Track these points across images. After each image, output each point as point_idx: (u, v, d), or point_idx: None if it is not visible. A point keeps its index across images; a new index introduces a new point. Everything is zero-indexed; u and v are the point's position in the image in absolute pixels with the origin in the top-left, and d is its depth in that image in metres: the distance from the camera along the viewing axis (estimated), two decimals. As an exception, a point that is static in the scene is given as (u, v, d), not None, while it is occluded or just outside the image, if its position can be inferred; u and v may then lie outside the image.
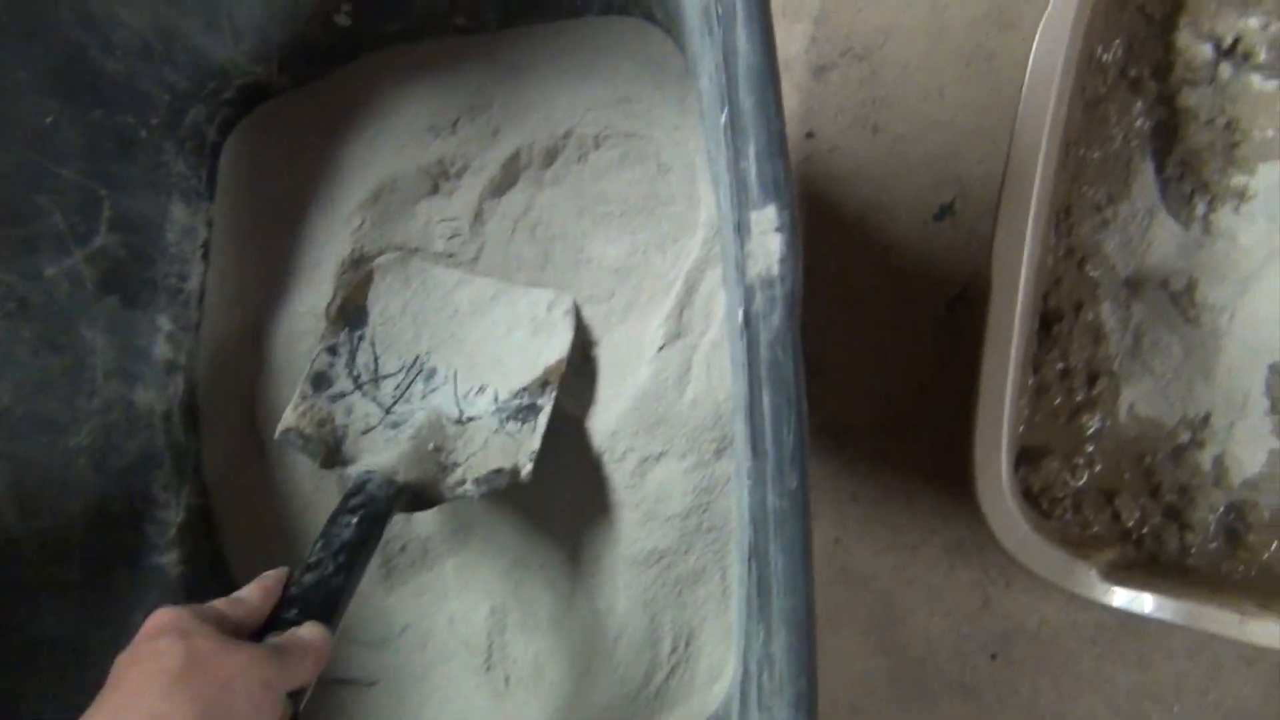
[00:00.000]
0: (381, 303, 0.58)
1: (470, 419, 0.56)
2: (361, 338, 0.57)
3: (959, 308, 0.59)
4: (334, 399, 0.56)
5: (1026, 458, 0.54)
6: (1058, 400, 0.55)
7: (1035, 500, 0.53)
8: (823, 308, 0.60)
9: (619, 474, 0.54)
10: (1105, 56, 0.56)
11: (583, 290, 0.57)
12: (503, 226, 0.57)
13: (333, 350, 0.57)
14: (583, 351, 0.56)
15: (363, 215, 0.57)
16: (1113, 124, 0.57)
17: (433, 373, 0.57)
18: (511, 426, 0.54)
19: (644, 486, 0.53)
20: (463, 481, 0.53)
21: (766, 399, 0.27)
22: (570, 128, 0.56)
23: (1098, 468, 0.54)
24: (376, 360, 0.57)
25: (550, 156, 0.56)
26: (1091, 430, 0.54)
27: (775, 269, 0.28)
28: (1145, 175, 0.57)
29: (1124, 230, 0.56)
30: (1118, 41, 0.56)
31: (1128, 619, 0.56)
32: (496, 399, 0.56)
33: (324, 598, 0.44)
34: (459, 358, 0.58)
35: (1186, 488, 0.53)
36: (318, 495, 0.59)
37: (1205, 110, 0.55)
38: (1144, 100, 0.57)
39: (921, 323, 0.59)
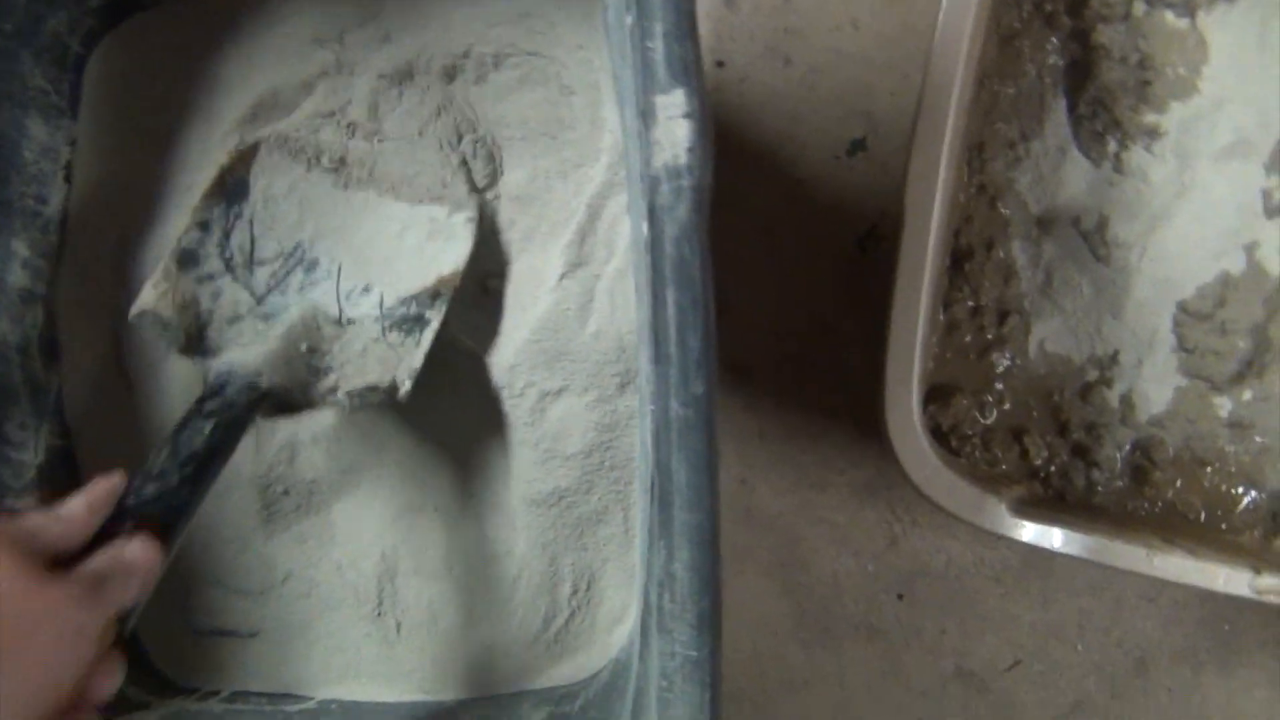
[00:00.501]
0: (266, 179, 0.52)
1: (350, 321, 0.51)
2: (239, 216, 0.52)
3: (869, 244, 0.57)
4: (200, 281, 0.50)
5: (936, 395, 0.53)
6: (968, 338, 0.54)
7: (944, 438, 0.53)
8: (730, 243, 0.58)
9: (518, 411, 0.51)
10: (1020, -9, 0.55)
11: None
12: (395, 143, 0.54)
13: (204, 226, 0.51)
14: (481, 282, 0.52)
15: (240, 133, 0.53)
16: (1026, 60, 0.56)
17: (314, 264, 0.52)
18: (394, 337, 0.50)
19: (544, 423, 0.51)
20: (334, 389, 0.49)
21: (671, 299, 0.25)
22: (469, 45, 0.52)
23: (1006, 405, 0.53)
24: (253, 243, 0.52)
25: (449, 76, 0.53)
26: (1001, 368, 0.54)
27: (683, 158, 0.25)
28: (1058, 112, 0.56)
29: (1036, 167, 0.55)
30: (1032, -24, 0.55)
31: (1032, 558, 0.56)
32: (381, 303, 0.51)
33: (164, 513, 0.40)
34: (345, 251, 0.52)
35: (1094, 425, 0.53)
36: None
37: (1118, 47, 0.54)
38: (1058, 36, 0.55)
39: (831, 259, 0.58)
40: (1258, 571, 0.44)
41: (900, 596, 0.56)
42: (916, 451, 0.46)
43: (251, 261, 0.52)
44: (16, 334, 0.53)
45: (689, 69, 0.26)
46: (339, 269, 0.52)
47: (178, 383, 0.54)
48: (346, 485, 0.54)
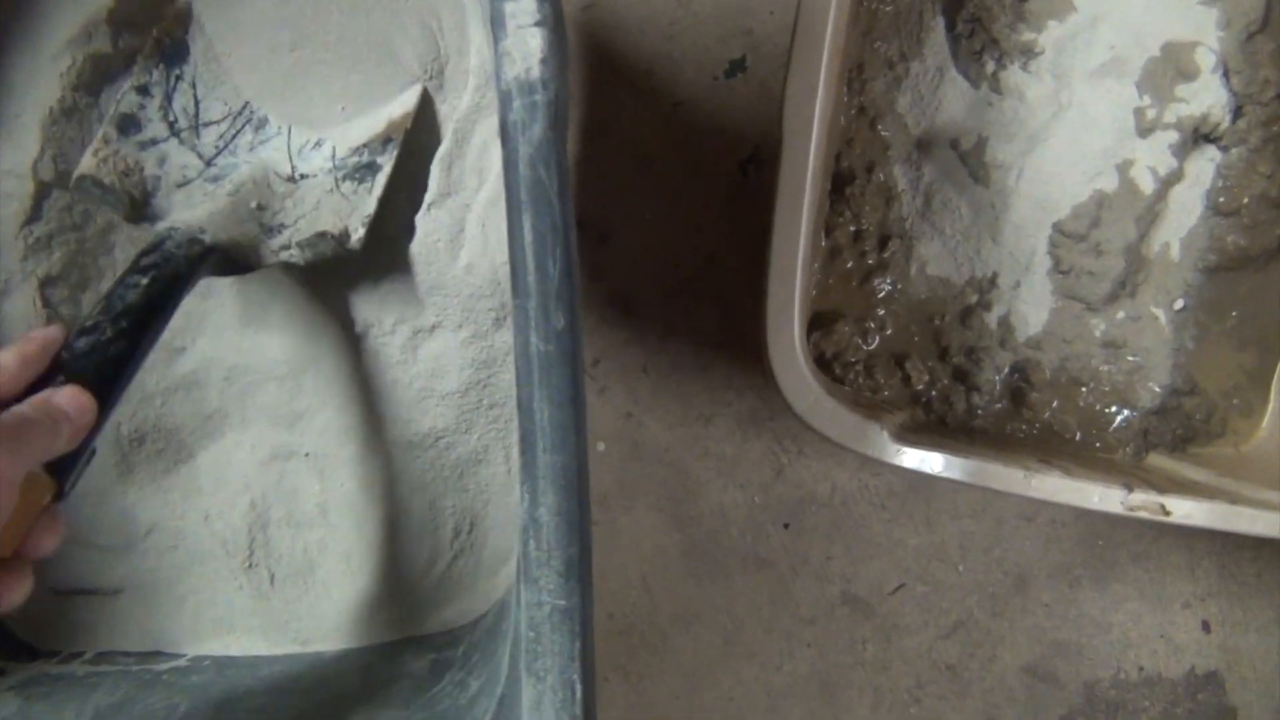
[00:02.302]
0: (205, 37, 0.50)
1: (303, 176, 0.49)
2: (180, 78, 0.49)
3: (751, 169, 0.56)
4: (144, 146, 0.48)
5: (818, 323, 0.52)
6: (850, 264, 0.53)
7: (828, 366, 0.52)
8: (608, 170, 0.56)
9: (389, 349, 0.49)
10: (898, -98, 0.53)
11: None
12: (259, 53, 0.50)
13: (144, 90, 0.49)
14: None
15: (73, 54, 0.49)
16: (905, -25, 0.54)
17: (264, 122, 0.50)
18: (347, 187, 0.48)
19: (417, 362, 0.49)
20: (288, 245, 0.47)
21: (527, 225, 0.23)
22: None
23: (888, 331, 0.53)
24: (198, 105, 0.50)
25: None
26: (883, 293, 0.53)
27: (535, 71, 0.23)
28: (937, 32, 0.55)
29: (915, 88, 0.55)
30: (909, -114, 0.53)
31: (915, 483, 0.56)
32: (334, 155, 0.49)
33: (99, 366, 0.39)
34: (294, 106, 0.50)
35: (974, 349, 0.53)
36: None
37: (996, -36, 0.54)
38: (936, -50, 0.54)
39: (712, 185, 0.56)
40: (1129, 489, 0.45)
41: (787, 526, 0.56)
42: (800, 382, 0.45)
43: (197, 124, 0.50)
44: None
45: (540, -28, 0.23)
46: (289, 126, 0.50)
47: (20, 325, 0.50)
48: (209, 431, 0.52)
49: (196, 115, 0.50)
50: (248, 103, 0.50)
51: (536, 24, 0.23)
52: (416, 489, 0.51)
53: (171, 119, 0.49)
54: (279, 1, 0.49)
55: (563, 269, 0.23)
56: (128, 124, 0.48)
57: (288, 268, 0.49)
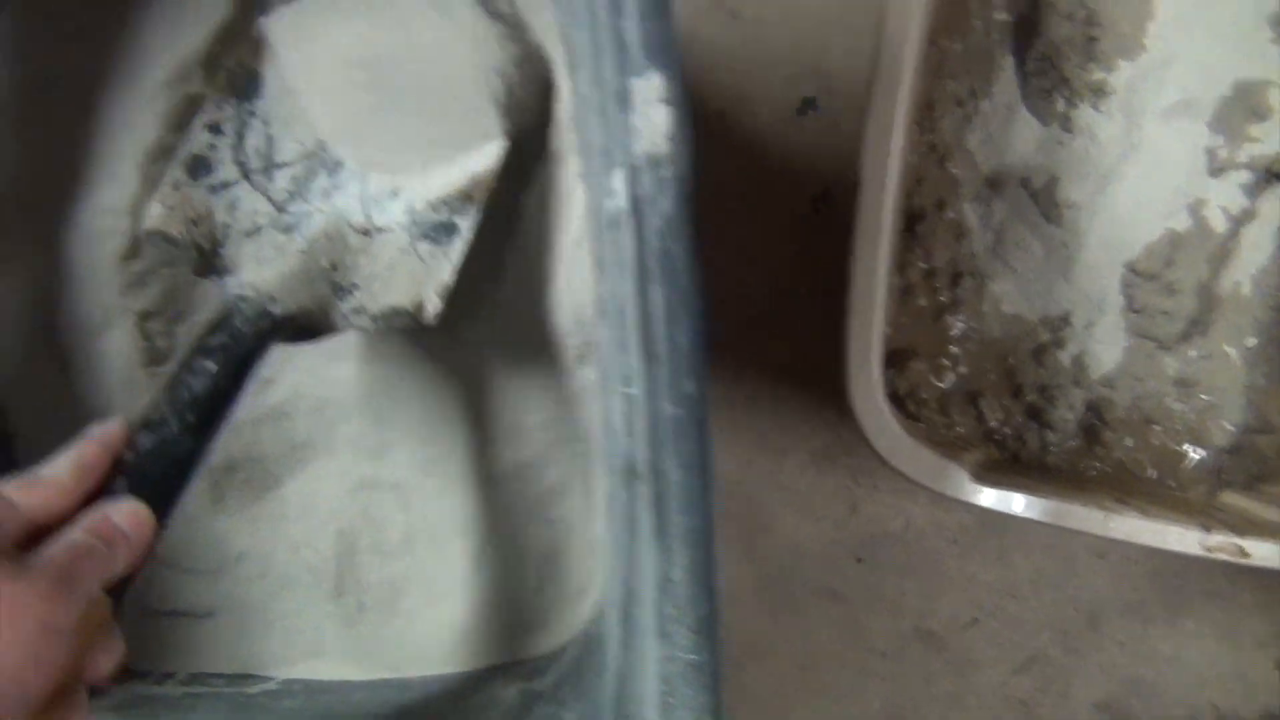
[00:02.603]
0: (278, 68, 0.47)
1: (378, 229, 0.47)
2: (252, 113, 0.47)
3: (823, 206, 0.57)
4: (214, 190, 0.46)
5: (893, 360, 0.53)
6: (923, 301, 0.54)
7: (902, 402, 0.53)
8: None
9: (477, 381, 0.50)
10: (969, -55, 0.54)
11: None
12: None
13: (215, 129, 0.46)
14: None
15: (168, 95, 0.51)
16: (974, 15, 0.55)
17: (338, 166, 0.47)
18: (424, 248, 0.46)
19: (503, 394, 0.50)
20: (360, 310, 0.45)
21: (658, 296, 0.24)
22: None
23: (962, 369, 0.54)
24: (271, 144, 0.47)
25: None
26: (956, 331, 0.54)
27: (663, 147, 0.25)
28: (1006, 70, 0.56)
29: (985, 126, 0.55)
30: (981, -69, 0.54)
31: (988, 519, 0.57)
32: (411, 208, 0.46)
33: (166, 468, 0.37)
34: (370, 150, 0.47)
35: (1047, 387, 0.53)
36: (134, 404, 0.52)
37: (1066, 3, 0.55)
38: (1006, -9, 0.55)
39: (784, 222, 0.57)
40: (1208, 530, 0.45)
41: (860, 560, 0.57)
42: (880, 422, 0.46)
43: (270, 165, 0.47)
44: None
45: (666, 49, 0.25)
46: (364, 171, 0.47)
47: (117, 358, 0.52)
48: (297, 461, 0.53)
49: (269, 155, 0.47)
50: (322, 142, 0.47)
51: (664, 100, 0.24)
52: (500, 521, 0.52)
53: (243, 159, 0.47)
54: (358, 38, 0.46)
55: (691, 339, 0.24)
56: (198, 166, 0.46)
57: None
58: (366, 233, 0.47)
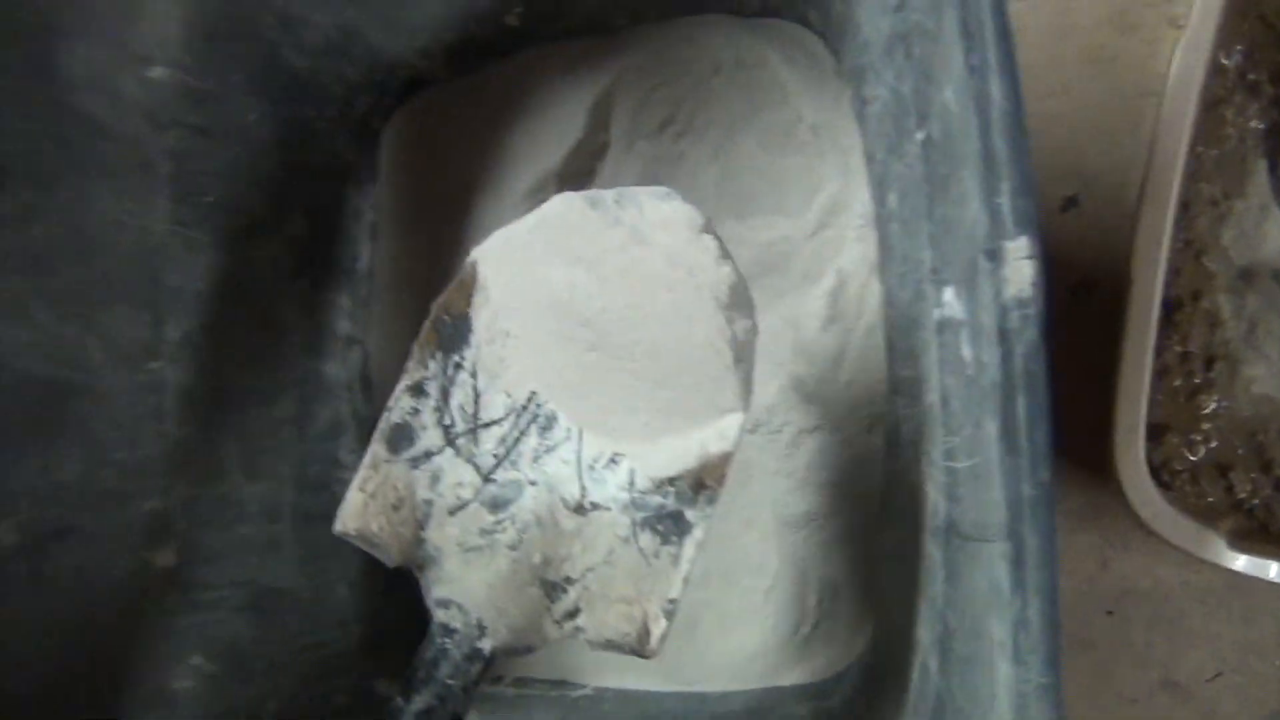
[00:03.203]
0: (492, 307, 0.42)
1: (594, 506, 0.41)
2: (459, 366, 0.42)
3: (1081, 293, 0.63)
4: (416, 462, 0.40)
5: (1149, 434, 0.58)
6: (1177, 382, 0.59)
7: (1156, 473, 0.58)
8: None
9: (775, 444, 0.58)
10: (1226, 61, 0.60)
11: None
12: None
13: (418, 390, 0.41)
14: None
15: (528, 204, 0.61)
16: (1229, 124, 0.61)
17: (551, 421, 0.42)
18: (646, 541, 0.40)
19: (798, 456, 0.58)
20: (573, 613, 0.40)
21: (1021, 404, 0.32)
22: (731, 120, 0.60)
23: (1213, 444, 0.59)
24: (478, 399, 0.42)
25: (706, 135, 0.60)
26: (1208, 410, 0.59)
27: (1028, 292, 0.32)
28: (1259, 173, 0.61)
29: (1239, 224, 0.60)
30: (1239, 48, 0.60)
31: (1234, 582, 0.61)
32: (632, 483, 0.41)
33: None
34: (590, 405, 0.41)
35: (1297, 463, 0.58)
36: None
37: (1317, 110, 0.59)
38: (1260, 103, 0.61)
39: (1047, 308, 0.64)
40: None
41: (1110, 613, 0.62)
42: (1144, 492, 0.52)
43: (476, 426, 0.41)
44: (344, 373, 0.62)
45: (1031, 219, 0.33)
46: (580, 430, 0.41)
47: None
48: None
49: (475, 415, 0.41)
50: (534, 393, 0.42)
51: (1028, 258, 0.32)
52: (788, 563, 0.60)
53: (447, 423, 0.41)
54: (583, 293, 0.40)
55: (1046, 437, 0.31)
56: (399, 437, 0.41)
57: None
58: (581, 510, 0.41)
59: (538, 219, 0.41)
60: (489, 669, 0.38)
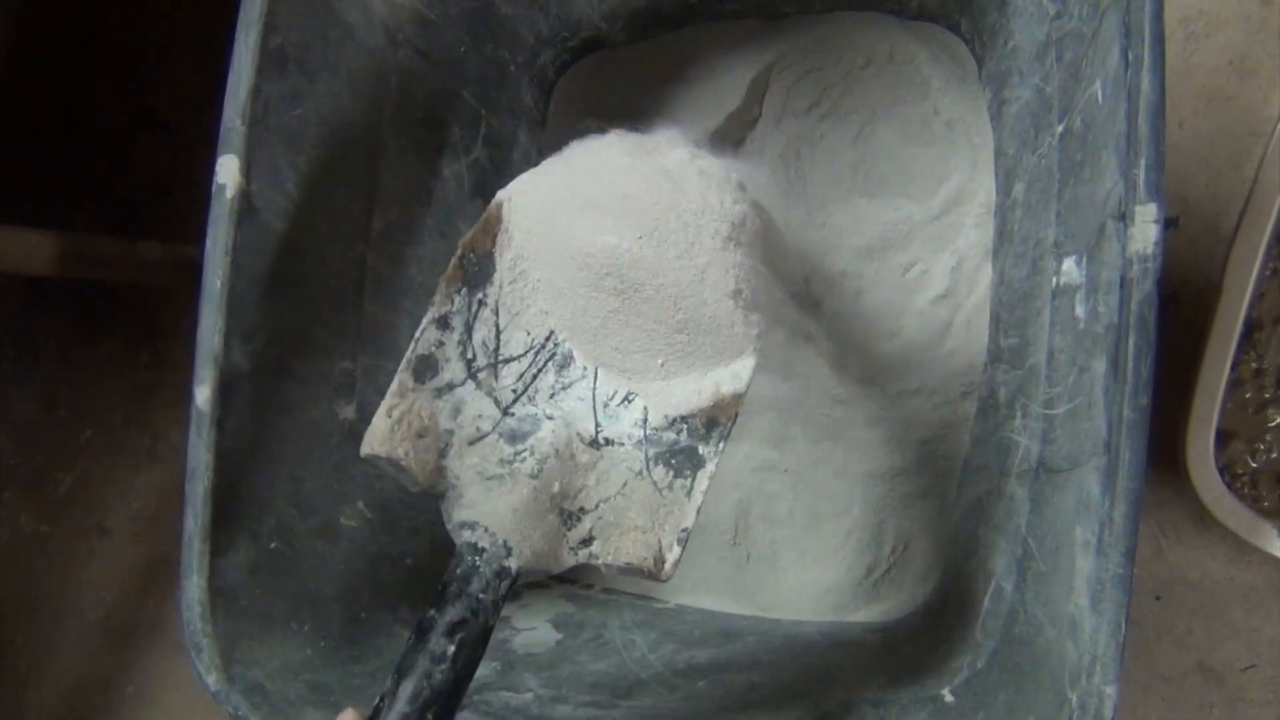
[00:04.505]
0: (515, 248, 0.44)
1: (608, 441, 0.43)
2: (483, 303, 0.44)
3: (1170, 306, 0.69)
4: (439, 393, 0.42)
5: (1218, 438, 0.64)
6: (1249, 394, 0.65)
7: (1220, 473, 0.64)
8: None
9: (876, 401, 0.65)
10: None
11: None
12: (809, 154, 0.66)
13: (444, 323, 0.43)
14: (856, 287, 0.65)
15: (683, 161, 0.68)
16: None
17: (568, 360, 0.44)
18: (660, 474, 0.42)
19: (895, 413, 0.65)
20: (587, 540, 0.41)
21: (1132, 341, 0.38)
22: (874, 108, 0.67)
23: (1274, 454, 0.65)
24: (499, 335, 0.44)
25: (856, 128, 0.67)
26: (1274, 423, 0.65)
27: (1151, 249, 0.39)
28: (1350, 217, 0.66)
29: (1325, 261, 0.66)
30: (1347, 99, 0.66)
31: (1278, 581, 0.67)
32: (645, 420, 0.43)
33: None
34: (607, 347, 0.44)
35: (1350, 480, 0.64)
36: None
37: None
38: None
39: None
40: None
41: (1158, 598, 0.68)
42: (1209, 478, 0.58)
43: (496, 361, 0.44)
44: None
45: (1160, 189, 0.39)
46: (596, 369, 0.44)
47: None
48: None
49: (496, 350, 0.44)
50: (552, 332, 0.44)
51: (1154, 221, 0.39)
52: (870, 511, 0.66)
53: (470, 356, 0.43)
54: (601, 242, 0.42)
55: (1150, 369, 0.38)
56: (424, 368, 0.42)
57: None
58: (596, 444, 0.43)
59: (563, 161, 0.43)
60: (514, 586, 0.40)
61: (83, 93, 0.87)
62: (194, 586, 0.46)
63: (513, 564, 0.39)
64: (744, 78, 0.68)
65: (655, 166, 0.41)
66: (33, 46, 0.88)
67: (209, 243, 0.46)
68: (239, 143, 0.46)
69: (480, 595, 0.38)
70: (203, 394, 0.46)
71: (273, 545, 0.50)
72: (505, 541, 0.39)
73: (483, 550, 0.39)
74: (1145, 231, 0.39)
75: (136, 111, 0.87)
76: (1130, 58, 0.40)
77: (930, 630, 0.60)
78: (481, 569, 0.39)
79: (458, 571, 0.39)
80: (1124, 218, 0.39)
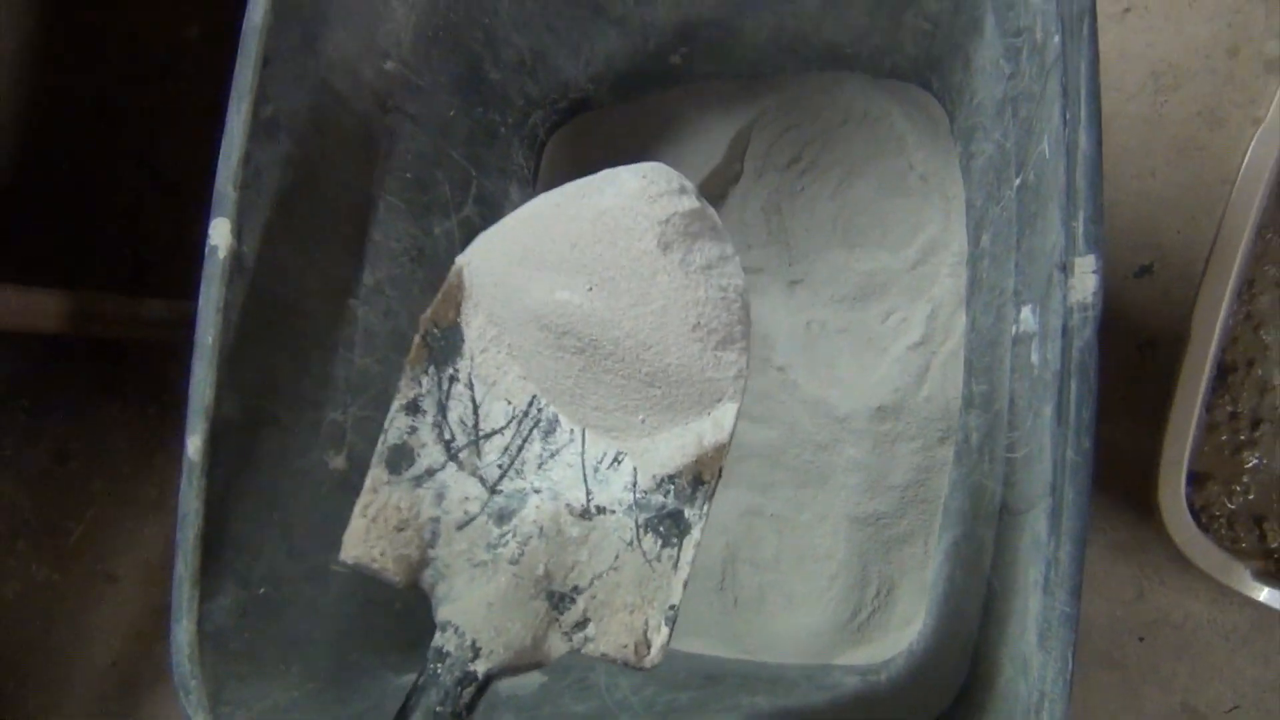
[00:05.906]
0: (482, 314, 0.41)
1: (599, 510, 0.40)
2: (454, 378, 0.41)
3: (1147, 351, 0.70)
4: (419, 481, 0.40)
5: (1192, 480, 0.65)
6: (1224, 437, 0.66)
7: (1196, 516, 0.65)
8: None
9: (855, 448, 0.66)
10: (1299, 157, 0.68)
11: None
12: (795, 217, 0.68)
13: (413, 408, 0.40)
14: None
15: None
16: (1298, 216, 0.68)
17: (554, 424, 0.41)
18: (649, 543, 0.39)
19: (874, 459, 0.66)
20: (583, 623, 0.38)
21: (1074, 386, 0.40)
22: (851, 163, 0.69)
23: (1251, 495, 0.66)
24: (476, 410, 0.41)
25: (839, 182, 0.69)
26: (1249, 465, 0.66)
27: (1089, 299, 0.40)
28: (1321, 262, 0.68)
29: (1297, 306, 0.68)
30: (1311, 145, 0.67)
31: (1259, 623, 0.67)
32: (635, 483, 0.40)
33: None
34: (588, 406, 0.41)
35: (1326, 521, 0.64)
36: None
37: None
38: (1329, 198, 0.68)
39: (1114, 362, 0.71)
40: None
41: (1141, 639, 0.68)
42: (1181, 522, 0.59)
43: (477, 436, 0.41)
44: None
45: (1099, 241, 0.41)
46: (583, 431, 0.41)
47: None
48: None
49: (476, 426, 0.41)
50: (535, 397, 0.41)
51: (1094, 272, 0.40)
52: (854, 555, 0.67)
53: (448, 437, 0.40)
54: (557, 299, 0.39)
55: (1091, 414, 0.39)
56: (398, 458, 0.40)
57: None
58: (587, 514, 0.40)
59: (515, 217, 0.41)
60: (484, 692, 0.37)
61: (95, 157, 0.91)
62: (183, 630, 0.48)
63: (479, 668, 0.36)
64: (725, 135, 0.71)
65: (593, 208, 0.39)
66: (48, 112, 0.92)
67: (201, 300, 0.48)
68: (230, 208, 0.49)
69: (438, 709, 0.35)
70: (193, 444, 0.48)
71: (262, 590, 0.52)
72: (474, 642, 0.37)
73: (447, 655, 0.36)
74: (1084, 282, 0.40)
75: (146, 174, 0.90)
76: (1068, 116, 0.42)
77: (909, 673, 0.61)
78: (442, 678, 0.36)
79: (419, 682, 0.37)
80: (1065, 268, 0.41)
